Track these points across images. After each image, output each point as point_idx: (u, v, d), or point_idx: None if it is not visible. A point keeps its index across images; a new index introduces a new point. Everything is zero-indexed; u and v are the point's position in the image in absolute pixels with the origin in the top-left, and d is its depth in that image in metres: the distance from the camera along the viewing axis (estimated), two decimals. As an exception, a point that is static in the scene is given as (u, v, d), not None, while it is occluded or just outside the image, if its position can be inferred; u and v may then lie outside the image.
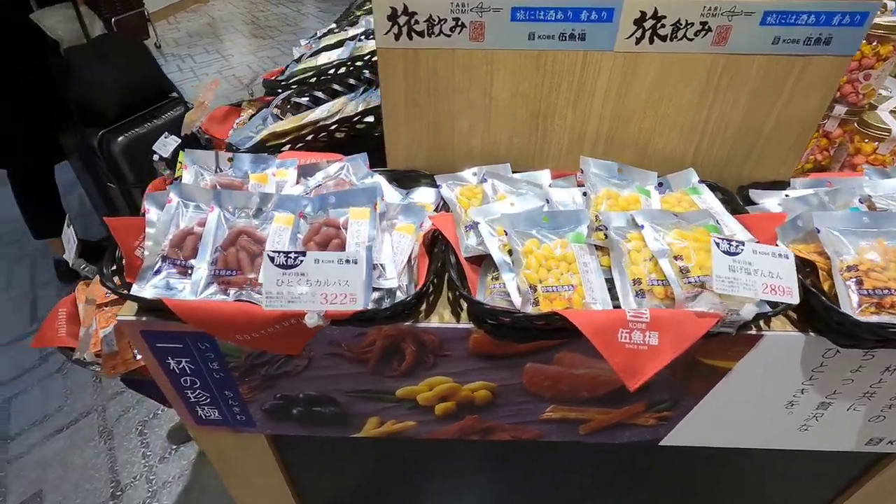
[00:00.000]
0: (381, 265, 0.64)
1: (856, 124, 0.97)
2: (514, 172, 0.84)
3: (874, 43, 0.89)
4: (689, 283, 0.63)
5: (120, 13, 3.03)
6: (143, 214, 0.74)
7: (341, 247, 0.66)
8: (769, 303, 0.61)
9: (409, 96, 0.79)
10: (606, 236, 0.71)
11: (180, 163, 1.22)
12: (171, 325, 0.69)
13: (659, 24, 0.70)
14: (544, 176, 0.83)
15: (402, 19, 0.71)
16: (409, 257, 0.68)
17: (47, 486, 1.42)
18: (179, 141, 1.45)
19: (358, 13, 1.83)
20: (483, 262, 0.74)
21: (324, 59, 1.31)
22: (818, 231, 0.67)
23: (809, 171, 1.04)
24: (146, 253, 0.70)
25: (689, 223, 0.71)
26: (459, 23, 0.71)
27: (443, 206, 0.80)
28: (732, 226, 0.74)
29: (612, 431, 0.84)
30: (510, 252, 0.71)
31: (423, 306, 0.69)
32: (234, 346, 0.73)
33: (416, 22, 0.71)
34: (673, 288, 0.63)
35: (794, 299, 0.60)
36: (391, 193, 0.79)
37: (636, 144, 0.82)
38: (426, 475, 1.09)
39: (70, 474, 1.43)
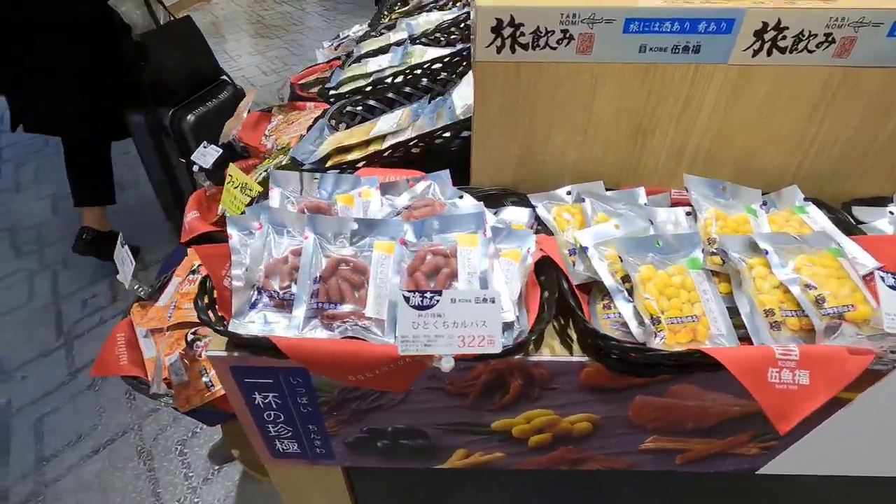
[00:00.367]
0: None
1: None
2: (606, 190, 0.80)
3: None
4: (827, 314, 0.60)
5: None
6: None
7: (452, 277, 0.62)
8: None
9: (504, 111, 0.74)
10: (723, 261, 0.67)
11: (230, 175, 1.18)
12: (265, 361, 0.65)
13: (780, 36, 0.66)
14: (640, 194, 0.79)
15: (507, 31, 0.66)
16: (521, 287, 0.64)
17: (88, 512, 1.37)
18: (220, 151, 1.40)
19: (393, 16, 1.78)
20: (591, 289, 0.70)
21: (373, 65, 1.26)
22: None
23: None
24: (234, 283, 0.65)
25: (810, 246, 0.67)
26: (567, 35, 0.67)
27: (537, 227, 0.76)
28: (851, 248, 0.70)
29: (709, 461, 0.81)
30: (622, 279, 0.67)
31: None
32: (327, 381, 0.69)
33: (522, 34, 0.67)
34: (812, 320, 0.59)
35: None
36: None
37: (737, 160, 0.78)
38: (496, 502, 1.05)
39: (111, 498, 1.38)
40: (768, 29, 0.66)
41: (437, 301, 0.49)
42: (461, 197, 0.76)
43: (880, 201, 0.82)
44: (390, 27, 1.61)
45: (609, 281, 0.67)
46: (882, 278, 0.54)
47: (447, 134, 0.86)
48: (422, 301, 0.49)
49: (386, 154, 0.85)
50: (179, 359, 0.85)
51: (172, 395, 0.80)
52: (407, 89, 1.13)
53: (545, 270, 0.68)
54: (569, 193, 0.79)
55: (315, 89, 1.88)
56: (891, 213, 0.79)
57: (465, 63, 1.13)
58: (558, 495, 1.02)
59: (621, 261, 0.66)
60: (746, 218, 0.74)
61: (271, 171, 0.74)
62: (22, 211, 2.54)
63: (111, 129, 2.02)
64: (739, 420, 0.73)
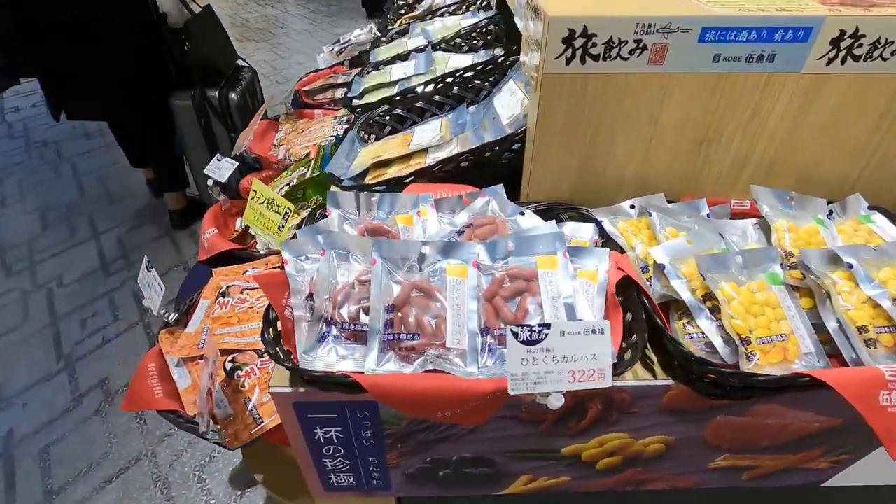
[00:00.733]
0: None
1: None
2: (667, 202, 0.77)
3: None
4: (923, 329, 0.58)
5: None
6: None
7: (534, 302, 0.59)
8: None
9: (567, 123, 0.71)
10: (804, 276, 0.65)
11: (255, 191, 1.12)
12: (332, 396, 0.61)
13: (856, 44, 0.65)
14: (702, 206, 0.77)
15: (579, 42, 0.63)
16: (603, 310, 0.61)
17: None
18: (236, 165, 1.34)
19: (403, 21, 1.74)
20: (668, 307, 0.67)
21: (397, 73, 1.22)
22: None
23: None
24: (297, 313, 0.61)
25: (891, 258, 0.66)
26: (641, 45, 0.64)
27: (602, 243, 0.73)
28: (924, 258, 0.69)
29: (777, 476, 0.79)
30: (703, 297, 0.65)
31: (614, 361, 0.62)
32: (394, 414, 0.65)
33: (594, 45, 0.64)
34: (909, 336, 0.57)
35: None
36: (552, 232, 0.71)
37: (801, 169, 0.77)
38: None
39: (129, 530, 1.31)
40: (845, 37, 0.64)
41: (547, 335, 0.46)
42: (522, 213, 0.73)
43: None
44: (403, 32, 1.57)
45: (690, 299, 0.64)
46: None
47: (496, 147, 0.83)
48: (530, 336, 0.46)
49: (436, 169, 0.81)
50: (221, 391, 0.80)
51: (219, 430, 0.75)
52: (437, 98, 1.09)
53: (623, 290, 0.65)
54: (632, 207, 0.76)
55: (320, 96, 1.83)
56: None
57: (497, 70, 1.10)
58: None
59: (703, 278, 0.64)
60: (817, 229, 0.72)
61: (330, 192, 0.69)
62: (9, 227, 2.42)
63: (153, 115, 2.12)
64: (815, 436, 0.71)
